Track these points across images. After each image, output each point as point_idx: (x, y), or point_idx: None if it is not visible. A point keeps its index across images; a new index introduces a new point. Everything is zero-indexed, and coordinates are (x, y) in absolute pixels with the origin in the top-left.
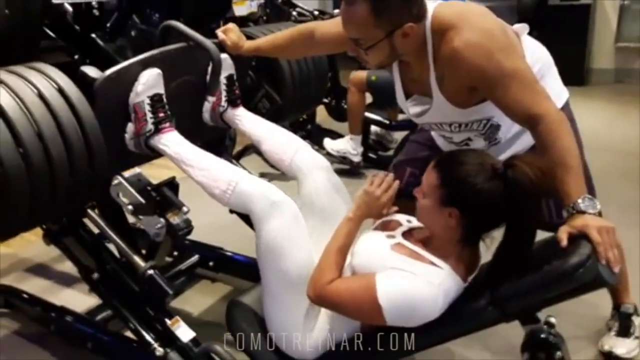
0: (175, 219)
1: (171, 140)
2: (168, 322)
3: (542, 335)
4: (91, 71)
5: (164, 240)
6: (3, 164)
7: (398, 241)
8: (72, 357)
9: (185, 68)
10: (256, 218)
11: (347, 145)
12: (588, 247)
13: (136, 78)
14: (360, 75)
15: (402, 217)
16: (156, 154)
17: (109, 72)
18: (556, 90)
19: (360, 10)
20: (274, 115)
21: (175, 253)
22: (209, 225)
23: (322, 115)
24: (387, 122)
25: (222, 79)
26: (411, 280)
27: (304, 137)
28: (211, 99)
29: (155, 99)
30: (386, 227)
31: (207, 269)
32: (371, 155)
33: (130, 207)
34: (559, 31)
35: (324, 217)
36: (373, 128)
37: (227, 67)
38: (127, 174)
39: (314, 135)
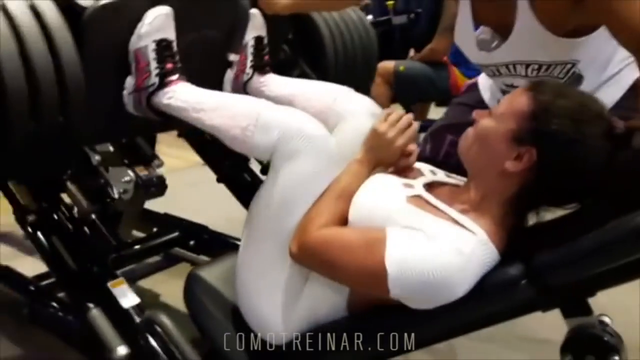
0: (145, 173)
1: (178, 90)
2: (109, 282)
3: (595, 332)
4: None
5: (127, 210)
6: None
7: (418, 193)
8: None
9: (206, 18)
10: (280, 154)
11: None
12: None
13: (140, 17)
14: (387, 65)
15: (424, 166)
16: (161, 117)
17: (103, 1)
18: None
19: None
20: None
21: (155, 230)
22: (218, 218)
23: None
24: None
25: (250, 40)
26: (434, 245)
27: None
28: (234, 57)
29: (162, 45)
30: (402, 174)
31: (187, 250)
32: None
33: (97, 157)
34: None
35: None
36: None
37: (257, 25)
38: None
39: None
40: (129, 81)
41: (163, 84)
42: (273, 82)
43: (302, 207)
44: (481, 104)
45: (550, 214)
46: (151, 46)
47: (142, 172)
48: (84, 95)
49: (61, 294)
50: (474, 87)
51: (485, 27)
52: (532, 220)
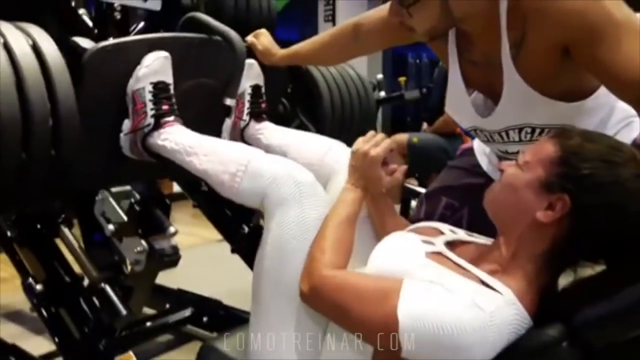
0: (159, 243)
1: (172, 133)
2: (116, 357)
3: None
4: (84, 42)
5: (139, 283)
6: None
7: (438, 250)
8: None
9: (203, 67)
10: (271, 203)
11: None
12: None
13: (139, 61)
14: (400, 137)
15: (442, 225)
16: (156, 159)
17: (104, 43)
18: None
19: None
20: None
21: (167, 306)
22: (232, 293)
23: None
24: None
25: (247, 88)
26: (452, 300)
27: None
28: (230, 102)
29: (159, 87)
30: (421, 233)
31: (201, 327)
32: None
33: (111, 227)
34: None
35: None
36: (414, 202)
37: (254, 75)
38: (115, 188)
39: None
40: (126, 123)
41: (158, 124)
42: (269, 131)
43: (301, 255)
44: (477, 168)
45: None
46: (148, 88)
47: (156, 241)
48: (77, 131)
49: None
50: (470, 151)
51: (477, 93)
52: (569, 278)
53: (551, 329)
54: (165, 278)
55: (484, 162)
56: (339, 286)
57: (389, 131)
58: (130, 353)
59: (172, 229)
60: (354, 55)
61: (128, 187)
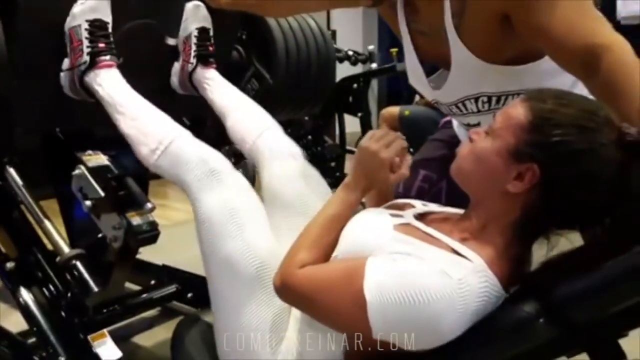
0: (137, 219)
1: (107, 79)
2: (89, 335)
3: None
4: None
5: (119, 260)
6: None
7: (407, 221)
8: None
9: (147, 7)
10: (190, 190)
11: None
12: None
13: None
14: (391, 110)
15: (415, 201)
16: (94, 99)
17: None
18: None
19: None
20: (264, 99)
21: (153, 282)
22: None
23: None
24: None
25: (194, 31)
26: (417, 267)
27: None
28: (172, 41)
29: (96, 25)
30: (391, 207)
31: (185, 303)
32: None
33: (88, 203)
34: None
35: (292, 213)
36: None
37: (201, 17)
38: (92, 163)
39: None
40: (65, 61)
41: (94, 63)
42: (217, 85)
43: (230, 232)
44: (454, 139)
45: (565, 240)
46: (84, 25)
47: (134, 217)
48: (7, 68)
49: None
50: (449, 123)
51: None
52: (544, 250)
53: (526, 304)
54: (154, 254)
55: (459, 133)
56: (307, 280)
57: (384, 104)
58: (104, 331)
59: (149, 205)
60: (298, 12)
61: (106, 162)
